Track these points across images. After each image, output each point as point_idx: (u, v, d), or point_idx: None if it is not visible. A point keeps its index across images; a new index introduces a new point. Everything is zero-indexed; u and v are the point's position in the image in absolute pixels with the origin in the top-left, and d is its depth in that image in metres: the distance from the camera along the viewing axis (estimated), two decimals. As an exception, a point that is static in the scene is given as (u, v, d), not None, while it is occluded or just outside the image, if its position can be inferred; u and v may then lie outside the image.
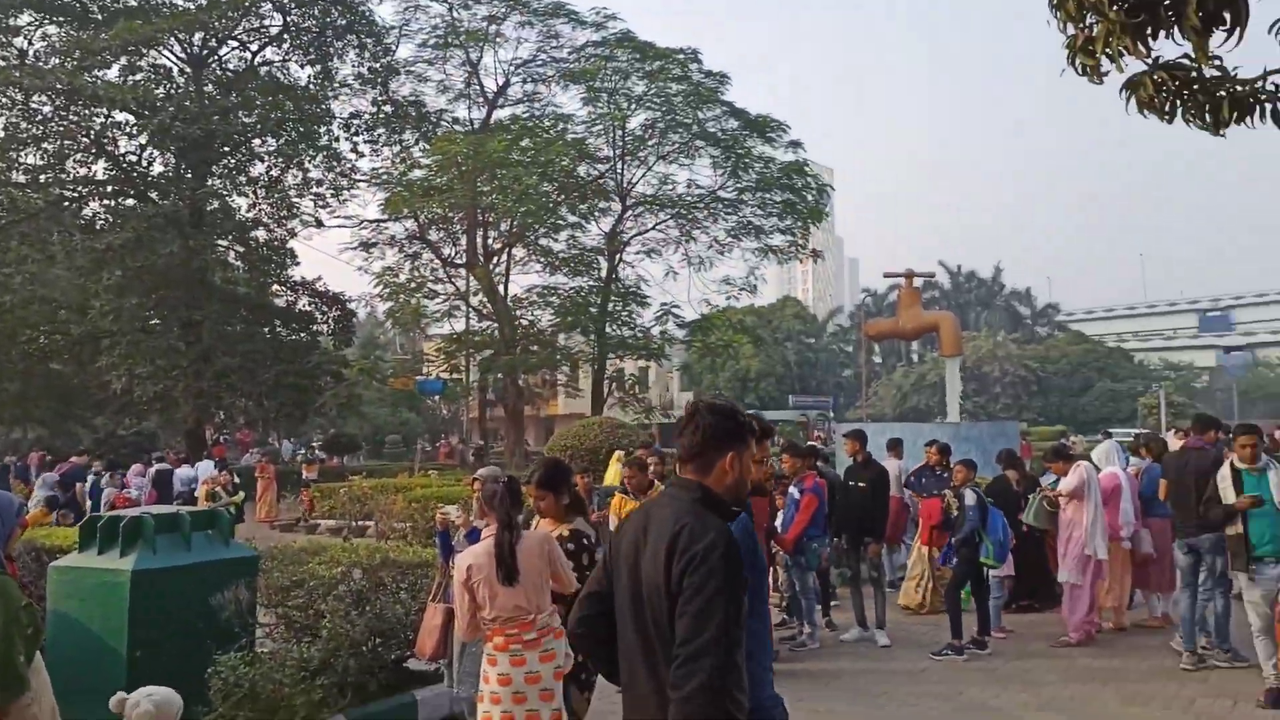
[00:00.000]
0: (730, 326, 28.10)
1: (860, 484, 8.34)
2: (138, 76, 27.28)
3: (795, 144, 26.76)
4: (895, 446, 10.57)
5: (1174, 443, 11.56)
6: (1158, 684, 6.83)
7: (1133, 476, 8.77)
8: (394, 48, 29.61)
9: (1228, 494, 6.39)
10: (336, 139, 29.29)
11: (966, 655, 7.63)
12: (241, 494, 16.11)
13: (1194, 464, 7.21)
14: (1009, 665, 7.46)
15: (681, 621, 2.33)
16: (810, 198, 26.74)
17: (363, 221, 28.97)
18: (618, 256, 27.31)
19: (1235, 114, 4.17)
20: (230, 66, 29.12)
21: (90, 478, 17.77)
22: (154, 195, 26.62)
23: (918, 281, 21.75)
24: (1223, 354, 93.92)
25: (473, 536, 4.93)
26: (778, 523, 8.06)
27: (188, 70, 27.92)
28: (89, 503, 16.19)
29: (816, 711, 6.40)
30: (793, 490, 8.18)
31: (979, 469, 8.73)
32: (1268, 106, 4.12)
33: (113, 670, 5.05)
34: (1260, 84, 4.08)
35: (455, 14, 28.65)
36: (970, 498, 7.99)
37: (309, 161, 28.83)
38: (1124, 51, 4.02)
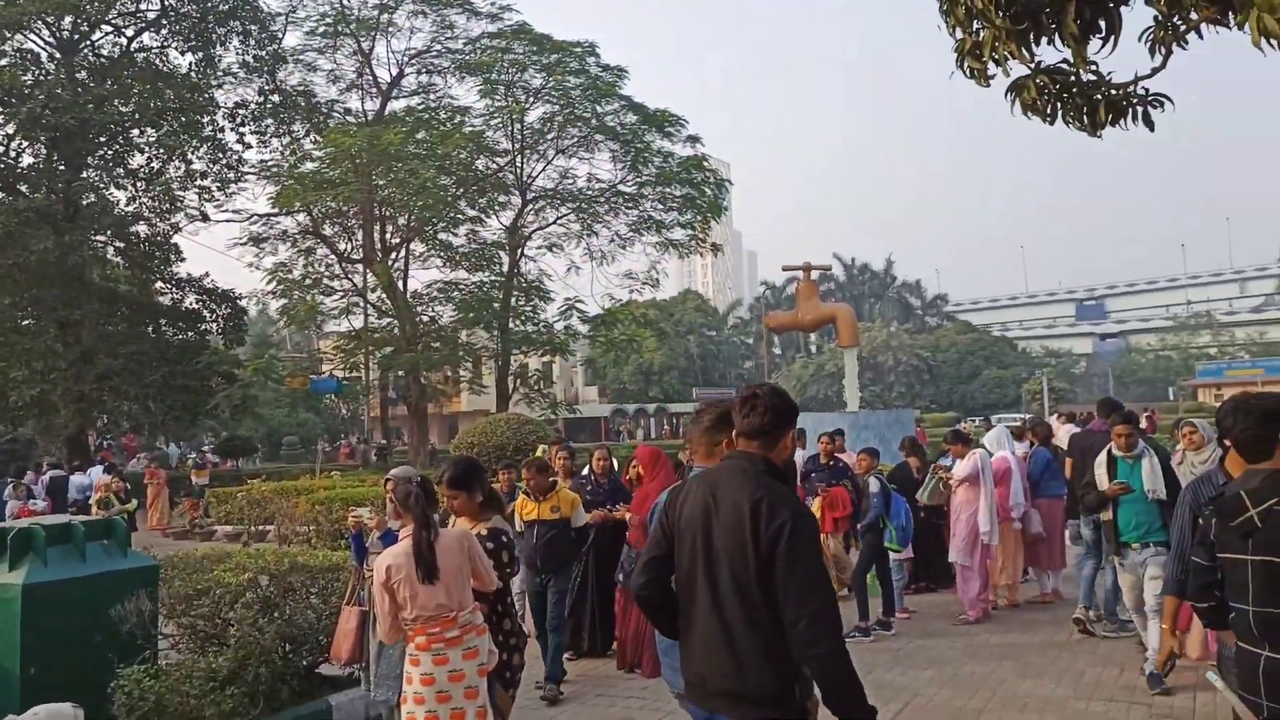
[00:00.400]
0: (633, 320, 28.28)
1: (768, 473, 8.51)
2: (2, 62, 25.67)
3: (693, 139, 27.10)
4: (799, 437, 10.84)
5: (1057, 427, 12.22)
6: (1051, 656, 7.22)
7: (1021, 460, 9.25)
8: (281, 35, 28.67)
9: (1102, 480, 6.52)
10: (221, 129, 28.22)
11: (873, 636, 7.91)
12: (135, 501, 15.40)
13: (1099, 445, 7.66)
14: (913, 644, 7.77)
15: (790, 587, 2.61)
16: (709, 192, 27.10)
17: (252, 216, 28.02)
18: (519, 251, 27.17)
19: (1110, 116, 4.47)
20: (104, 53, 27.67)
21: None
22: (24, 188, 25.16)
23: (815, 274, 22.32)
24: (1098, 341, 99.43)
25: (387, 538, 4.86)
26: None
27: (58, 56, 26.38)
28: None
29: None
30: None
31: (879, 456, 9.05)
32: (1139, 110, 4.44)
33: (5, 689, 4.84)
34: (1132, 88, 4.39)
35: (345, 1, 27.96)
36: (874, 485, 8.28)
37: (192, 153, 27.69)
38: (1009, 56, 4.26)
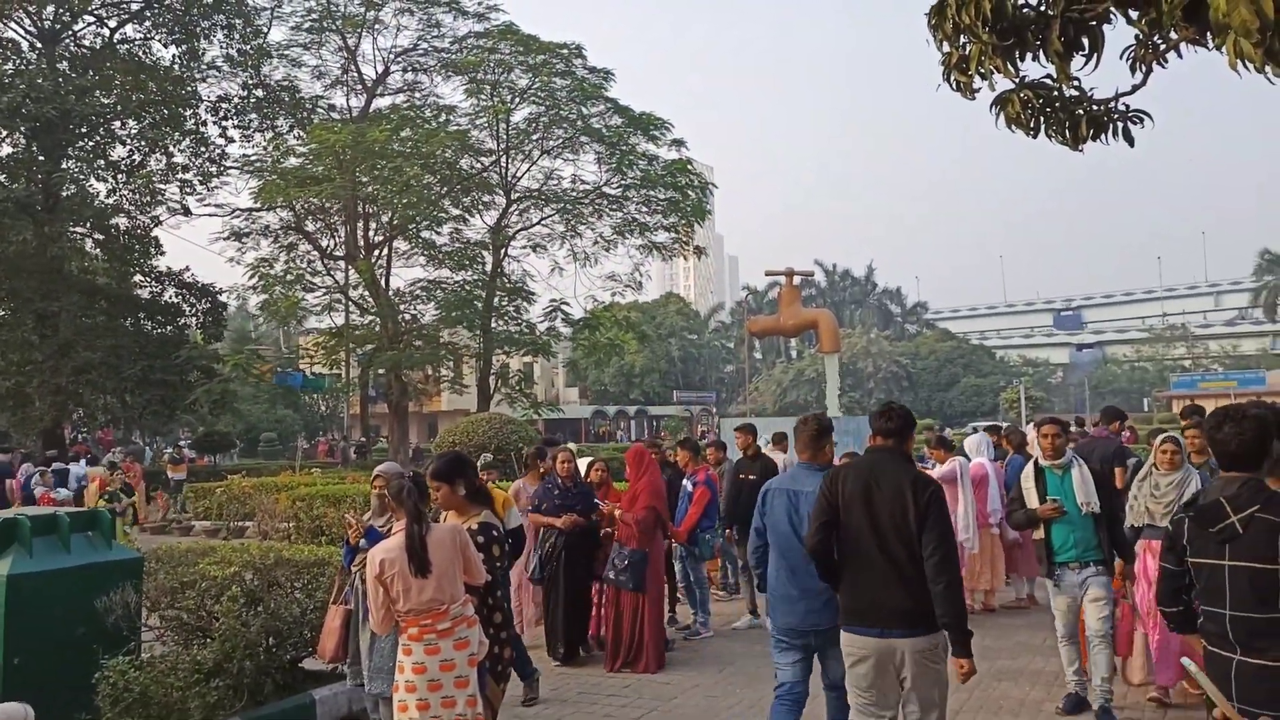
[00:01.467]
0: (617, 324, 28.27)
1: (750, 476, 8.63)
2: (-18, 51, 25.43)
3: (678, 142, 27.08)
4: (780, 440, 10.93)
5: (1032, 435, 12.37)
6: (1025, 660, 7.34)
7: (999, 467, 9.38)
8: (266, 30, 28.47)
9: (1030, 496, 6.00)
10: (204, 123, 27.96)
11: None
12: (136, 496, 15.27)
13: (1099, 452, 7.78)
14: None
15: (932, 535, 3.92)
16: (693, 195, 27.12)
17: (234, 210, 27.81)
18: (503, 251, 27.11)
19: (1092, 131, 4.59)
20: (86, 43, 27.35)
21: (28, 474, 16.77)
22: (2, 178, 24.90)
23: (797, 280, 22.43)
24: (1075, 351, 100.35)
25: (371, 536, 4.90)
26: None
27: (39, 46, 26.09)
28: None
29: (713, 696, 6.62)
30: (686, 483, 8.41)
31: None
32: (1119, 125, 4.57)
33: (-11, 680, 4.82)
34: (1113, 104, 4.51)
35: (331, -4, 27.81)
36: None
37: (174, 146, 27.43)
38: (994, 71, 4.37)
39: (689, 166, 27.19)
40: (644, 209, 27.39)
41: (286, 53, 28.66)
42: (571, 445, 14.58)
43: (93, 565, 5.49)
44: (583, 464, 8.55)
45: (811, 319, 21.21)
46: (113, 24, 27.26)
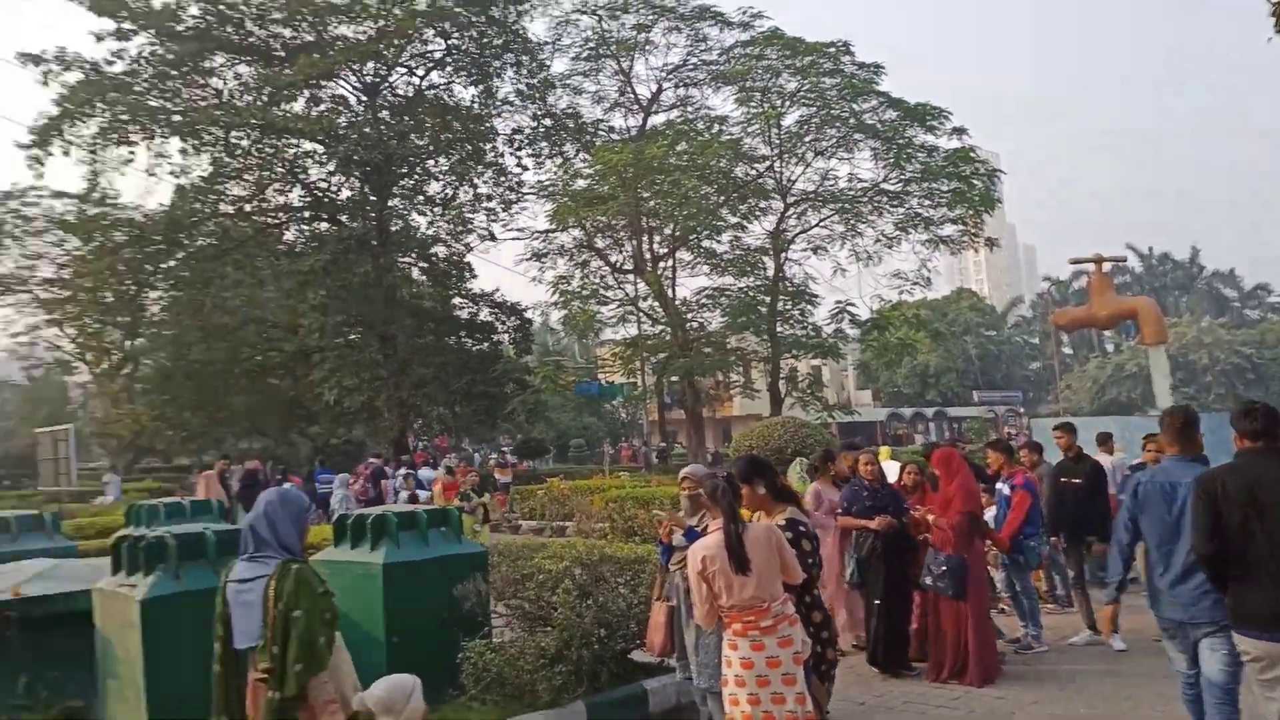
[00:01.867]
0: (906, 323, 27.29)
1: (1075, 480, 7.98)
2: (321, 107, 28.91)
3: (959, 130, 25.68)
4: (1105, 440, 10.04)
5: None
6: None
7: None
8: (548, 63, 30.29)
9: None
10: (501, 155, 30.22)
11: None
12: (488, 495, 16.80)
13: None
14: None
15: None
16: (979, 184, 25.59)
17: (534, 233, 30.03)
18: (783, 255, 27.08)
19: None
20: (400, 92, 30.26)
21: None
22: (344, 218, 28.40)
23: (1108, 266, 20.56)
24: None
25: (690, 535, 5.07)
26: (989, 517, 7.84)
27: (363, 98, 29.22)
28: (393, 498, 18.09)
29: (1056, 715, 6.17)
30: (1001, 487, 7.94)
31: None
32: None
33: (375, 656, 5.53)
34: None
35: (604, 25, 29.15)
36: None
37: (478, 178, 29.87)
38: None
39: (972, 154, 25.71)
40: (927, 203, 26.28)
41: (568, 82, 30.55)
42: (885, 448, 14.29)
43: (447, 557, 6.18)
44: (892, 467, 8.33)
45: (1129, 308, 19.34)
46: (421, 72, 30.05)
